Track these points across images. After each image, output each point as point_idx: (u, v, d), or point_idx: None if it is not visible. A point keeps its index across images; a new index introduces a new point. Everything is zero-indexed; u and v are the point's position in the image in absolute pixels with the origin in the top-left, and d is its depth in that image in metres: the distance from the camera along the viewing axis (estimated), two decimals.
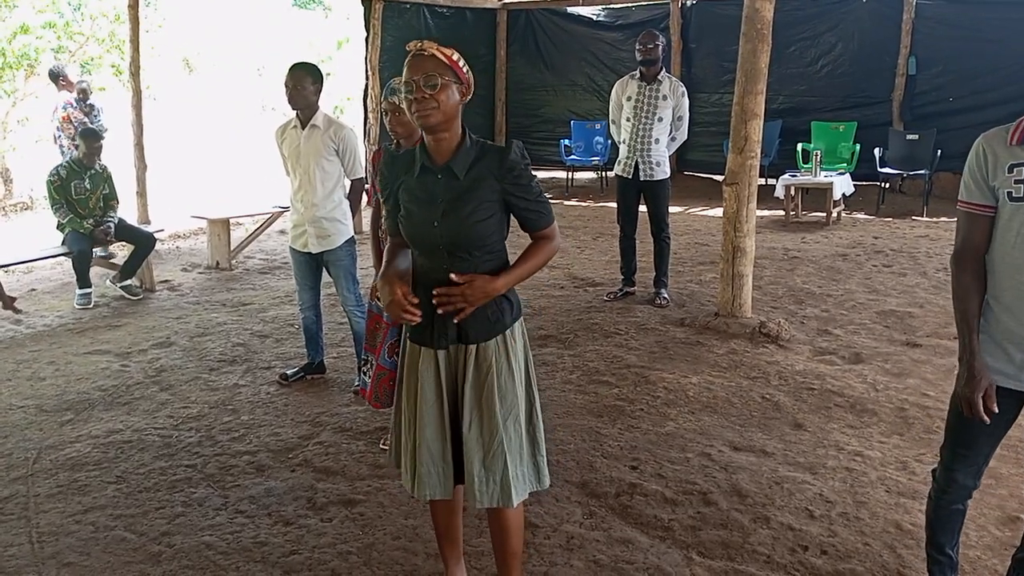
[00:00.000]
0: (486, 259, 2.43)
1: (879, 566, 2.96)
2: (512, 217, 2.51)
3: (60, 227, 6.62)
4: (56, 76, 8.22)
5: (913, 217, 9.43)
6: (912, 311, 5.87)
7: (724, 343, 5.26)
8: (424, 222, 2.40)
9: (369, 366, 4.00)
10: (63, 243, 6.63)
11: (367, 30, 10.85)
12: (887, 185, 10.06)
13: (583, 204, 10.91)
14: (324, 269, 4.72)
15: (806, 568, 2.96)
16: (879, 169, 9.77)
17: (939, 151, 9.48)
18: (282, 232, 8.85)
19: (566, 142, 11.77)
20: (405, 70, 2.32)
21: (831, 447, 3.88)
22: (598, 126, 11.77)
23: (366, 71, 10.87)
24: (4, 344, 5.67)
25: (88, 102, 8.19)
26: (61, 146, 8.03)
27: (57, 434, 4.21)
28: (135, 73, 8.53)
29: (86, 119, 8.01)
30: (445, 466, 2.51)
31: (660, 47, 5.95)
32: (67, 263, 6.98)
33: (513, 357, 2.48)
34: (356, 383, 4.64)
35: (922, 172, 9.60)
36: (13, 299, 6.02)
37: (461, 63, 2.37)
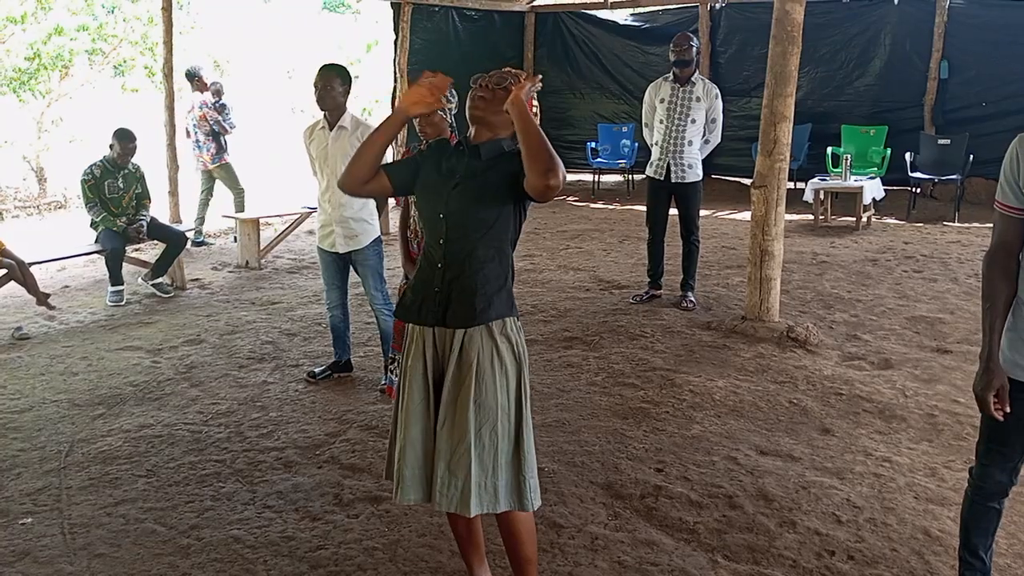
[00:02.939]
0: (483, 244, 2.46)
1: (907, 572, 2.93)
2: (522, 220, 2.56)
3: (93, 225, 6.72)
4: (192, 77, 8.75)
5: (944, 223, 9.31)
6: (943, 317, 5.81)
7: (751, 347, 5.23)
8: (436, 192, 2.50)
9: (396, 364, 4.05)
10: (96, 241, 6.73)
11: (396, 33, 10.93)
12: (918, 190, 9.94)
13: (609, 207, 10.89)
14: (352, 268, 4.76)
15: (833, 573, 2.93)
16: (910, 174, 9.67)
17: (971, 156, 9.35)
18: (310, 232, 8.93)
19: (592, 145, 11.76)
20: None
21: (859, 452, 3.85)
22: (625, 129, 11.76)
23: (395, 74, 10.95)
24: (38, 339, 5.77)
25: (220, 102, 8.70)
26: (196, 141, 8.67)
27: (89, 428, 4.28)
28: (168, 75, 8.65)
29: (219, 117, 8.61)
30: (428, 467, 2.49)
31: (694, 49, 5.94)
32: (100, 261, 7.09)
33: (498, 362, 2.45)
34: (383, 381, 4.68)
35: (954, 177, 9.48)
36: (47, 295, 6.15)
37: (535, 101, 2.52)
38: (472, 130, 2.54)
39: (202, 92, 8.67)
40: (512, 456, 2.50)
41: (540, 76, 2.51)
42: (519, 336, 2.54)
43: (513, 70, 2.55)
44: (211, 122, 8.58)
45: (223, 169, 8.76)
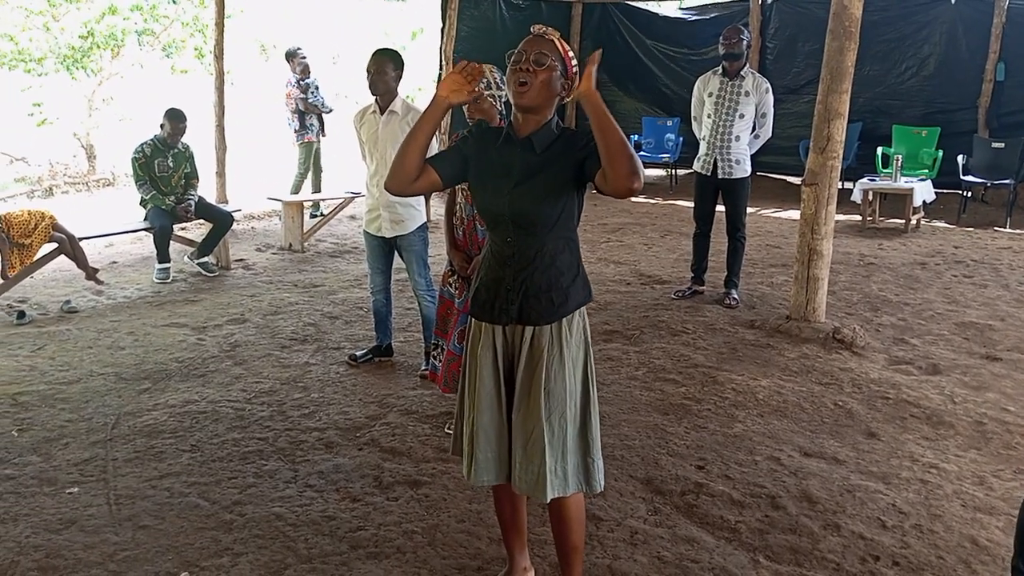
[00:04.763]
0: (552, 237, 2.43)
1: None
2: (583, 202, 2.50)
3: (143, 203, 6.83)
4: (288, 56, 9.03)
5: (996, 228, 9.10)
6: (993, 324, 5.68)
7: (796, 347, 5.16)
8: (495, 192, 2.43)
9: (439, 351, 4.05)
10: (145, 219, 6.84)
11: (443, 20, 10.92)
12: (969, 194, 9.73)
13: (652, 201, 10.80)
14: (396, 253, 4.77)
15: None
16: (962, 177, 9.45)
17: None
18: (352, 217, 9.00)
19: (636, 138, 11.66)
20: (521, 45, 2.38)
21: (905, 458, 3.78)
22: (669, 123, 11.65)
23: (440, 61, 10.94)
24: (86, 313, 5.87)
25: (305, 81, 8.85)
26: (288, 119, 8.97)
27: (135, 402, 4.35)
28: (219, 56, 8.72)
29: (304, 96, 8.79)
30: (501, 450, 2.51)
31: (744, 42, 5.85)
32: (147, 238, 7.21)
33: (567, 350, 2.45)
34: (423, 367, 4.69)
35: (1007, 182, 9.26)
36: (96, 270, 6.26)
37: (574, 61, 2.41)
38: (519, 117, 2.43)
39: (295, 72, 8.93)
40: (579, 439, 2.51)
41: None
42: (585, 320, 2.53)
43: (543, 30, 2.38)
44: (295, 100, 8.78)
45: (303, 148, 8.98)
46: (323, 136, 9.15)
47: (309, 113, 8.87)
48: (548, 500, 2.47)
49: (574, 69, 2.41)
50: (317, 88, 8.93)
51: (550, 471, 2.43)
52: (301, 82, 8.84)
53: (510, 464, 2.51)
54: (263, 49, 18.86)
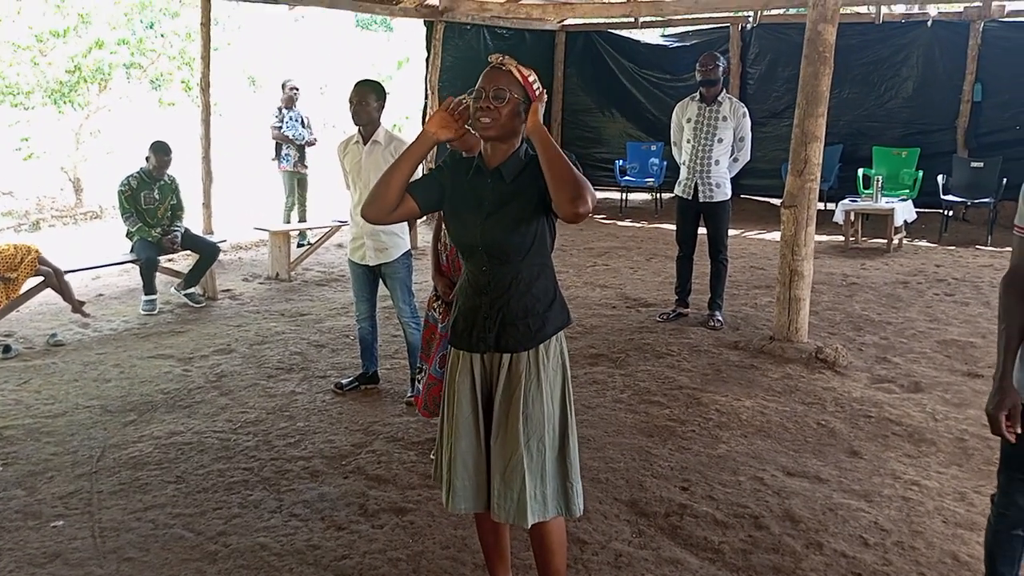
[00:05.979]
0: (526, 265, 2.47)
1: None
2: (556, 228, 2.54)
3: (129, 235, 6.85)
4: (282, 87, 9.27)
5: (977, 246, 9.20)
6: (974, 341, 5.73)
7: (779, 367, 5.20)
8: (469, 223, 2.47)
9: (423, 374, 4.07)
10: (131, 251, 6.86)
11: (428, 50, 11.04)
12: (950, 213, 9.83)
13: (637, 225, 10.88)
14: (381, 281, 4.80)
15: None
16: (942, 197, 9.56)
17: (1004, 180, 9.25)
18: (339, 246, 9.03)
19: (621, 163, 11.77)
20: (480, 79, 2.42)
21: (887, 476, 3.81)
22: (654, 147, 11.76)
23: (425, 90, 11.05)
24: (72, 346, 5.87)
25: (283, 111, 9.03)
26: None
27: (120, 434, 4.34)
28: (205, 89, 8.79)
29: (278, 126, 9.00)
30: (479, 478, 2.53)
31: (720, 68, 5.95)
32: (133, 270, 7.22)
33: (544, 375, 2.48)
34: (409, 394, 4.71)
35: (987, 200, 9.37)
36: (82, 303, 6.27)
37: (535, 84, 2.45)
38: (487, 148, 2.49)
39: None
40: (558, 463, 2.53)
41: (544, 91, 2.47)
42: (563, 345, 2.57)
43: (500, 60, 2.43)
44: (272, 130, 9.03)
45: (282, 177, 9.18)
46: (303, 168, 9.18)
47: (285, 143, 8.98)
48: (529, 525, 2.49)
49: (536, 92, 2.44)
50: (292, 119, 9.01)
51: (530, 496, 2.45)
52: (280, 111, 9.01)
53: (488, 492, 2.52)
54: (252, 81, 19.00)
